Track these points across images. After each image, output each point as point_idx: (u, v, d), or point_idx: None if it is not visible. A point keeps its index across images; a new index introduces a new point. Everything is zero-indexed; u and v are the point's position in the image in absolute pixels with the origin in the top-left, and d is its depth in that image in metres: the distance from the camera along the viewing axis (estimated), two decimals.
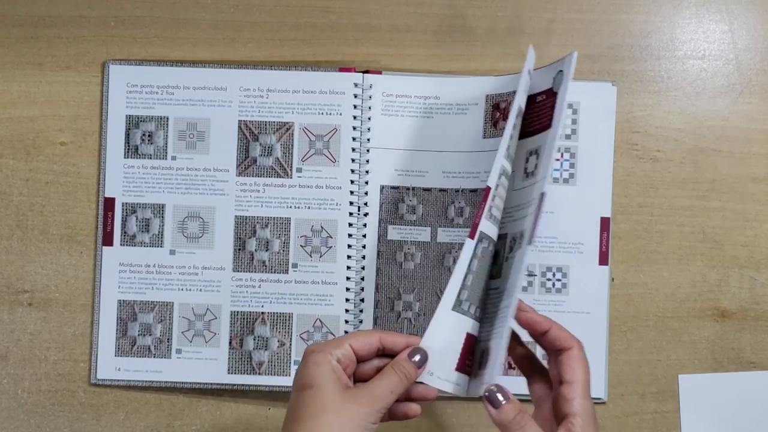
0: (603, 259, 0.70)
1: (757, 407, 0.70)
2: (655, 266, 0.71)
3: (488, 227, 0.58)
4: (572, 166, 0.71)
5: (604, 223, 0.70)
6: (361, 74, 0.71)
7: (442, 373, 0.54)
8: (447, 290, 0.54)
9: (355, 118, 0.70)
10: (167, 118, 0.70)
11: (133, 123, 0.70)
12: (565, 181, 0.71)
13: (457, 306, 0.55)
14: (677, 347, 0.71)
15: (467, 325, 0.56)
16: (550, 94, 0.63)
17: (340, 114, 0.70)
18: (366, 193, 0.70)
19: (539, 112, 0.64)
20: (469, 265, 0.56)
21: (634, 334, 0.71)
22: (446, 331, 0.54)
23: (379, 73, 0.71)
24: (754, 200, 0.72)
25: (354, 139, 0.70)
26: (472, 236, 0.56)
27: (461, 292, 0.55)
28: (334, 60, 0.72)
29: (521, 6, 0.72)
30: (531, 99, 0.64)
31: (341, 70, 0.71)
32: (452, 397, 0.70)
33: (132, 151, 0.70)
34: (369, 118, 0.71)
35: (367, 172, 0.70)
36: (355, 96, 0.70)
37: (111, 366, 0.70)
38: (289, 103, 0.71)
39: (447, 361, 0.54)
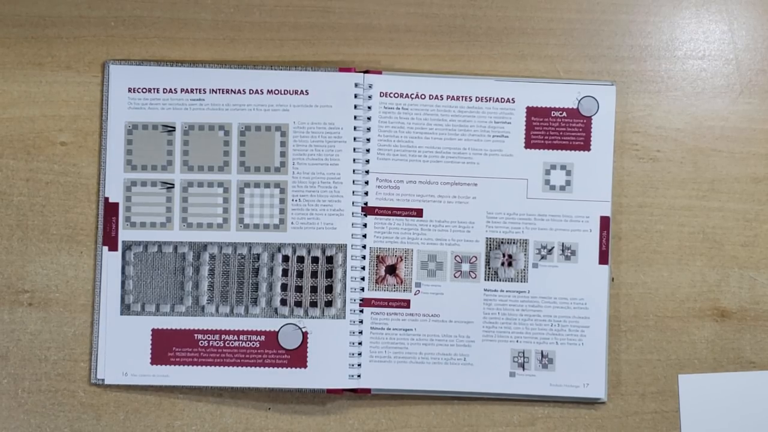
0: (603, 259, 0.70)
1: (757, 407, 0.70)
2: (655, 266, 0.71)
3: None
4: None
5: (604, 222, 0.70)
6: (362, 74, 0.71)
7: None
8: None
9: (355, 118, 0.70)
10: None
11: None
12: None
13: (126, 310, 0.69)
14: (677, 347, 0.71)
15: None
16: (576, 115, 0.70)
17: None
18: (366, 193, 0.70)
19: (557, 128, 0.70)
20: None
21: (634, 334, 0.71)
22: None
23: (379, 73, 0.71)
24: (754, 200, 0.72)
25: (354, 139, 0.70)
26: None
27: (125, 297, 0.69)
28: (334, 60, 0.72)
29: (521, 6, 0.72)
30: (540, 110, 0.69)
31: (341, 70, 0.71)
32: (452, 396, 0.70)
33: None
34: (369, 118, 0.71)
35: (367, 172, 0.70)
36: (355, 96, 0.70)
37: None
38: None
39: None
